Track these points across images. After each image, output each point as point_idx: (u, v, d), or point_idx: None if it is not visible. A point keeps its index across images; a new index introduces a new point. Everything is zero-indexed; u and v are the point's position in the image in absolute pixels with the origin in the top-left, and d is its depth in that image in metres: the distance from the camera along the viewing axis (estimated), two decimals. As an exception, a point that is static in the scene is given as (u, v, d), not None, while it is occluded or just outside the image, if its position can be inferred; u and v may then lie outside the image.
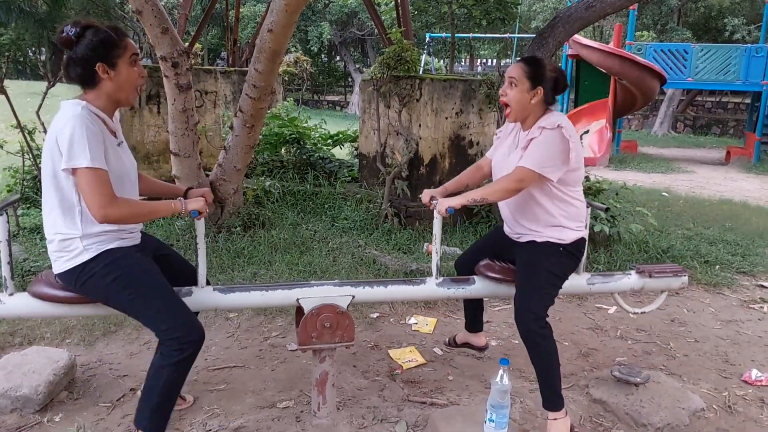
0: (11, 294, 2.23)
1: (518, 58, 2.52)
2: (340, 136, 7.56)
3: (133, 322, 3.31)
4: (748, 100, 16.74)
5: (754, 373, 3.05)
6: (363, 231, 5.08)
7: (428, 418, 2.47)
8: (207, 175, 4.53)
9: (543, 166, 2.33)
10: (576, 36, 10.63)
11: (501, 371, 2.29)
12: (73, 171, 1.93)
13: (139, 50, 2.10)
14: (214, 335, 3.27)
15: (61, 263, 2.07)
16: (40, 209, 4.89)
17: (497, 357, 3.10)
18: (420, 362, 3.06)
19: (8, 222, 2.21)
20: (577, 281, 2.66)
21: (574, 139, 2.37)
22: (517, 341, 3.30)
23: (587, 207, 2.60)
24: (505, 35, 18.29)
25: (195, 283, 2.37)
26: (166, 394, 2.11)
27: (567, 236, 2.46)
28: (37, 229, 4.60)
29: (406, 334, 3.42)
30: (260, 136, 5.94)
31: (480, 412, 2.39)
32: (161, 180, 5.35)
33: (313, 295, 2.41)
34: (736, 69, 12.55)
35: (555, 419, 2.39)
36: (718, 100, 20.91)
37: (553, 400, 2.39)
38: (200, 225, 2.31)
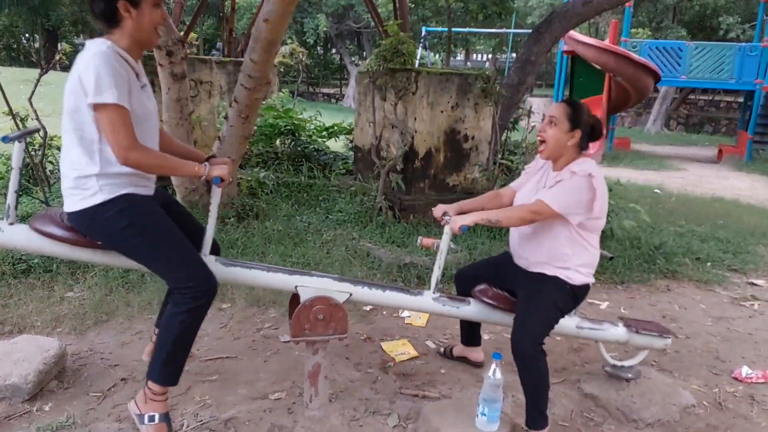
0: (11, 223, 2.20)
1: (562, 100, 2.52)
2: (335, 128, 7.53)
3: (125, 311, 3.30)
4: (740, 99, 16.84)
5: (745, 370, 3.08)
6: (357, 224, 5.08)
7: (420, 411, 2.47)
8: (201, 166, 4.50)
9: (566, 208, 2.35)
10: (572, 32, 10.62)
11: (493, 365, 2.30)
12: (96, 107, 1.91)
13: None
14: (207, 326, 3.25)
15: (74, 201, 2.05)
16: (32, 197, 4.86)
17: (489, 350, 3.10)
18: (412, 355, 3.07)
19: (25, 150, 2.20)
20: (566, 323, 2.64)
21: (601, 189, 2.39)
22: (509, 335, 3.30)
23: None
24: (501, 30, 18.26)
25: (200, 249, 2.34)
26: (180, 343, 2.12)
27: (576, 278, 2.47)
28: (29, 217, 4.56)
29: (399, 327, 3.42)
30: (255, 127, 5.90)
31: (472, 405, 2.39)
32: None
33: (311, 285, 2.41)
34: (729, 68, 12.58)
35: None
36: (710, 98, 21.01)
37: (538, 420, 2.37)
38: (217, 192, 2.29)
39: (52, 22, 25.88)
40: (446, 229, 2.49)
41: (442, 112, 5.29)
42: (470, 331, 2.97)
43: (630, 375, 2.83)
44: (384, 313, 3.60)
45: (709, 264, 4.86)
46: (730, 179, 10.45)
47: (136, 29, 2.03)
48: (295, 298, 2.49)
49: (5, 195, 4.39)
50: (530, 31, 7.64)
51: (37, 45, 29.08)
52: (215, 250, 2.44)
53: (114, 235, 2.07)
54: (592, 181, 2.37)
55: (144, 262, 2.14)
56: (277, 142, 6.81)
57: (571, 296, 2.49)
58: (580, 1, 6.09)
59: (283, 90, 7.77)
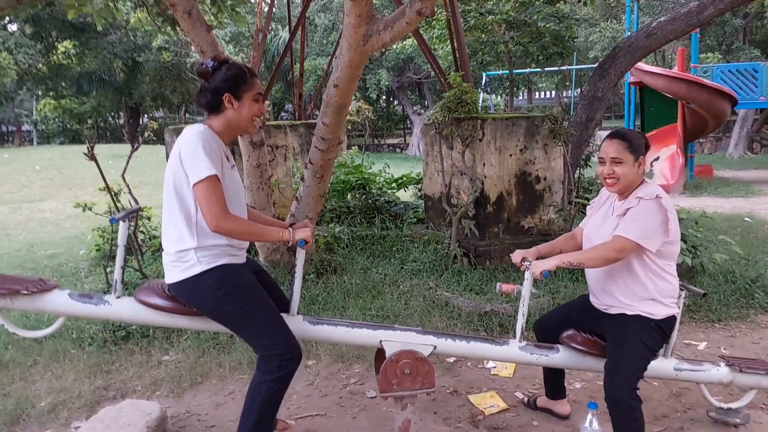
0: (119, 297, 2.37)
1: (610, 136, 2.50)
2: (404, 179, 7.66)
3: (218, 372, 3.42)
4: (830, 115, 15.82)
5: None
6: (433, 272, 5.08)
7: (516, 466, 2.40)
8: (280, 226, 4.68)
9: (643, 236, 2.33)
10: (638, 63, 10.45)
11: (590, 415, 2.23)
12: (195, 183, 2.08)
13: (262, 90, 2.30)
14: (295, 383, 3.29)
15: (175, 273, 2.21)
16: (128, 267, 5.18)
17: (583, 400, 3.00)
18: (502, 407, 2.99)
19: (129, 229, 2.40)
20: (664, 365, 2.57)
21: (672, 210, 2.37)
22: (601, 381, 3.17)
23: (681, 289, 2.54)
24: (564, 67, 18.15)
25: (287, 310, 2.45)
26: (266, 410, 2.20)
27: (659, 311, 2.42)
28: (127, 286, 4.86)
29: (486, 379, 3.36)
30: (329, 185, 6.10)
31: (570, 459, 2.31)
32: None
33: (395, 339, 2.44)
34: (813, 84, 11.92)
35: None
36: (796, 116, 19.81)
37: None
38: (301, 255, 2.40)
39: (135, 99, 28.07)
40: (527, 275, 2.47)
41: (510, 155, 5.29)
42: (555, 383, 2.87)
43: (738, 420, 2.66)
44: (469, 364, 3.55)
45: (815, 295, 4.51)
46: (829, 200, 9.74)
47: (236, 119, 2.24)
48: (380, 353, 2.52)
49: (104, 267, 4.71)
50: (593, 66, 7.57)
51: (121, 121, 31.53)
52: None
53: (211, 303, 2.21)
54: (662, 202, 2.35)
55: (236, 329, 2.26)
56: (349, 196, 6.99)
57: (658, 332, 2.42)
58: (644, 33, 6.02)
59: (353, 146, 8.01)
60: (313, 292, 4.56)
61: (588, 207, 2.77)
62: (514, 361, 2.60)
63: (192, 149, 2.10)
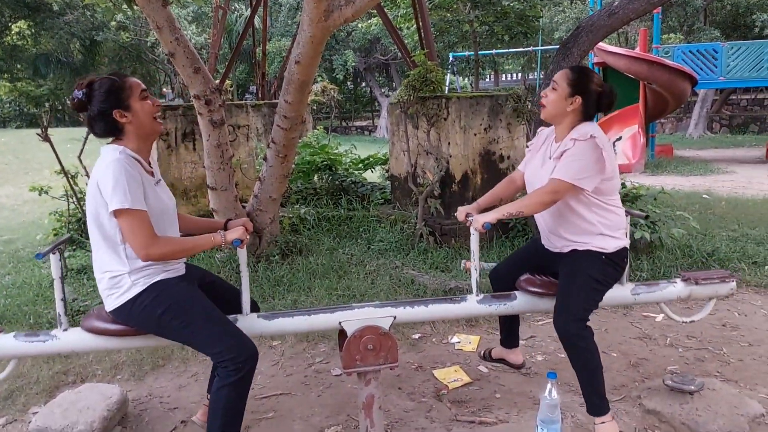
0: (65, 329, 2.31)
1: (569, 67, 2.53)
2: (371, 159, 7.63)
3: (180, 355, 3.38)
4: (785, 95, 16.31)
5: (816, 376, 2.93)
6: (399, 252, 5.09)
7: (478, 437, 2.44)
8: (244, 207, 4.62)
9: (577, 177, 2.34)
10: (601, 44, 10.56)
11: (549, 385, 2.26)
12: (116, 213, 2.01)
13: (144, 85, 2.19)
14: (260, 364, 3.25)
15: (112, 300, 2.15)
16: (86, 250, 5.06)
17: (544, 372, 3.06)
18: (466, 381, 3.03)
19: (60, 261, 2.29)
20: (621, 292, 2.63)
21: (607, 148, 2.38)
22: (563, 355, 3.23)
23: (626, 216, 2.59)
24: (529, 48, 18.25)
25: (240, 310, 2.42)
26: (230, 415, 2.14)
27: (608, 245, 2.45)
28: (84, 270, 4.75)
29: (450, 354, 3.39)
30: (293, 165, 6.04)
31: (530, 428, 2.35)
32: (200, 215, 5.48)
33: (354, 318, 2.43)
34: (769, 64, 12.24)
35: (602, 422, 2.37)
36: (753, 97, 20.40)
37: (597, 405, 2.36)
38: (242, 254, 2.37)
39: (94, 82, 27.19)
40: (472, 230, 2.51)
41: (475, 134, 5.31)
42: (510, 332, 2.92)
43: (693, 387, 2.74)
44: (434, 340, 3.58)
45: (767, 267, 4.66)
46: (782, 178, 10.06)
47: (138, 127, 2.13)
48: (343, 332, 2.51)
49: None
50: (558, 46, 7.62)
51: (81, 105, 30.54)
52: (254, 308, 2.49)
53: (153, 323, 2.15)
54: (596, 141, 2.36)
55: (185, 342, 2.21)
56: (315, 177, 6.94)
57: (610, 265, 2.47)
58: (606, 12, 6.06)
59: (318, 127, 7.93)
60: (278, 274, 4.53)
61: (527, 149, 2.77)
62: (475, 315, 2.63)
63: (109, 179, 2.00)
